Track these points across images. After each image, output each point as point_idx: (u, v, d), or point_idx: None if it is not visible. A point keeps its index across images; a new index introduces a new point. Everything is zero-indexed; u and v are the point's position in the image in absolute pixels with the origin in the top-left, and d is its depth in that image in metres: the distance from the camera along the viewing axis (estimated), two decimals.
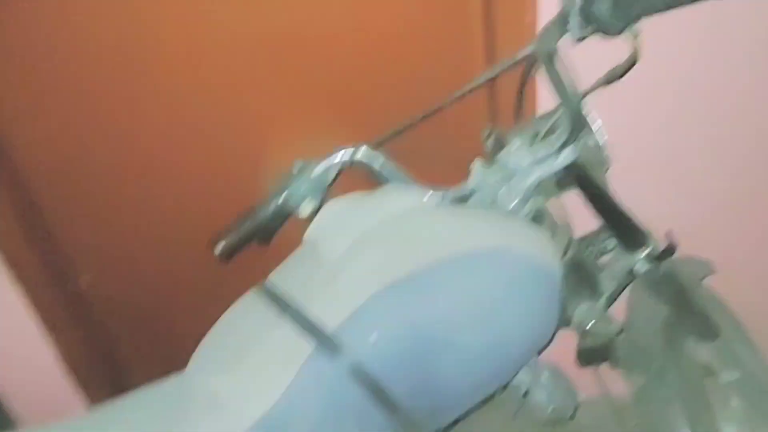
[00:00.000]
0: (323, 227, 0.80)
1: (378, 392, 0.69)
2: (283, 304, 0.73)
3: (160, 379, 0.76)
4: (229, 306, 0.81)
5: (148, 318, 1.38)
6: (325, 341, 0.69)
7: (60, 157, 1.23)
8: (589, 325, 0.87)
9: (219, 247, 0.89)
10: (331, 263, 0.75)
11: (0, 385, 1.31)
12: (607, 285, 0.91)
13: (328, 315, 0.70)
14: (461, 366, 0.73)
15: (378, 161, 0.89)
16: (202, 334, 0.78)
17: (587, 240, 0.93)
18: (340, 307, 0.71)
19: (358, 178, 0.90)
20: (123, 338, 1.41)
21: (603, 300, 0.90)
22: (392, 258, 0.74)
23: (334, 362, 0.68)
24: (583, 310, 0.89)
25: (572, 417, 0.86)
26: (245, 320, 0.76)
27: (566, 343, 0.89)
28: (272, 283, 0.78)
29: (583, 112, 0.87)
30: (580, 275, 0.88)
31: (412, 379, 0.71)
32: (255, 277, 0.82)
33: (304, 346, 0.69)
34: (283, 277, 0.79)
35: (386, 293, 0.71)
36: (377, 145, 0.90)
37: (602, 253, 0.93)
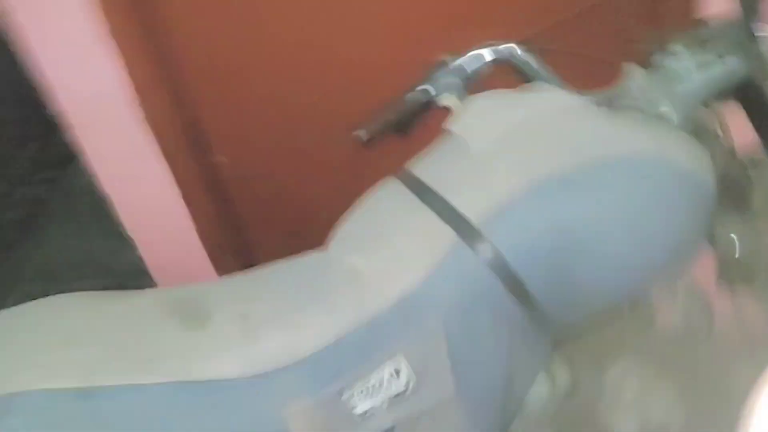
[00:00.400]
0: (468, 120, 0.79)
1: (516, 286, 0.70)
2: (426, 192, 0.75)
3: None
4: (361, 192, 0.83)
5: (281, 200, 1.45)
6: (469, 231, 0.70)
7: (212, 40, 1.28)
8: (737, 243, 0.84)
9: (360, 134, 0.91)
10: (476, 156, 0.75)
11: (142, 252, 1.42)
12: (760, 204, 0.86)
13: (473, 207, 0.71)
14: (599, 270, 0.73)
15: (527, 59, 0.86)
16: (333, 218, 0.81)
17: (744, 156, 0.87)
18: (486, 200, 0.71)
19: (503, 77, 0.88)
20: (255, 218, 1.49)
21: (752, 219, 0.86)
22: (542, 155, 0.73)
23: (476, 253, 0.70)
24: (732, 228, 0.85)
25: (707, 338, 0.84)
26: (387, 205, 0.78)
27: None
28: (414, 171, 0.80)
29: (757, 19, 0.80)
30: (731, 192, 0.84)
31: (549, 277, 0.71)
32: (390, 166, 0.84)
33: (448, 233, 0.70)
34: (425, 166, 0.80)
35: (534, 190, 0.70)
36: (526, 43, 0.88)
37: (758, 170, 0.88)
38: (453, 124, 0.81)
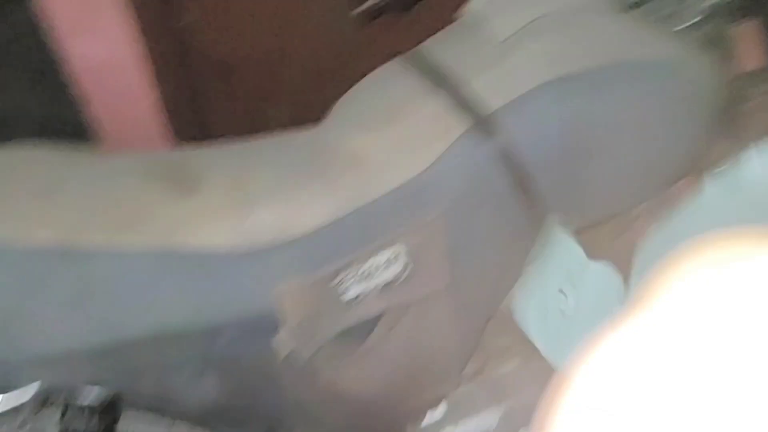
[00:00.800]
0: (490, 5, 0.74)
1: (523, 182, 0.68)
2: (438, 75, 0.70)
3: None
4: (358, 75, 0.78)
5: (244, 77, 1.34)
6: (481, 120, 0.67)
7: None
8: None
9: (360, 11, 0.85)
10: (497, 43, 0.70)
11: (90, 111, 1.32)
12: (752, 130, 0.86)
13: (489, 95, 0.67)
14: (606, 174, 0.72)
15: None
16: (322, 102, 0.75)
17: (749, 77, 0.87)
18: (504, 89, 0.67)
19: None
20: (223, 95, 1.38)
21: (741, 146, 0.86)
22: (568, 50, 0.69)
23: (487, 144, 0.67)
24: (720, 151, 0.85)
25: None
26: (395, 86, 0.73)
27: None
28: (427, 54, 0.74)
29: None
30: (728, 113, 0.84)
31: (557, 177, 0.70)
32: (397, 49, 0.78)
33: (459, 120, 0.67)
34: (439, 48, 0.75)
35: (556, 84, 0.67)
36: None
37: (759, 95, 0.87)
38: (472, 8, 0.75)
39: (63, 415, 0.64)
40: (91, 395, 0.64)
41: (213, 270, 0.62)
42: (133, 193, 0.63)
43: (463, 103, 0.68)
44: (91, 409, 0.64)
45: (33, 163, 0.64)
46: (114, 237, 0.59)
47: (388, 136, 0.68)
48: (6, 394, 0.58)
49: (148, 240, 0.60)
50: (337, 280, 0.66)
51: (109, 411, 0.67)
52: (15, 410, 0.60)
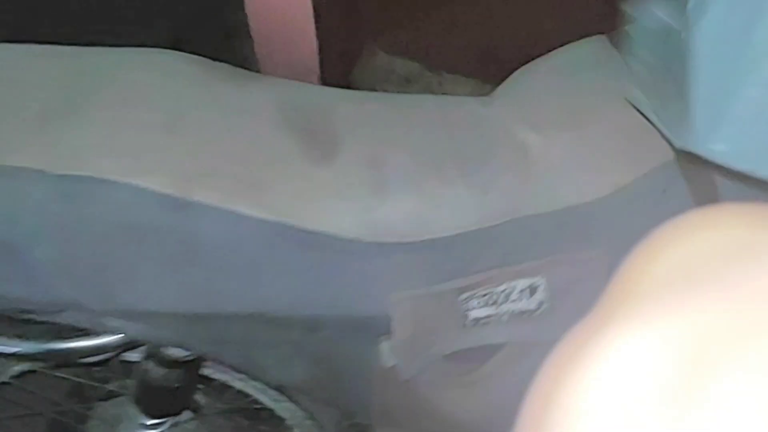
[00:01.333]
0: None
1: None
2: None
3: None
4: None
5: None
6: (695, 154, 0.52)
7: None
8: None
9: None
10: None
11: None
12: None
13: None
14: None
15: None
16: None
17: None
18: None
19: None
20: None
21: None
22: None
23: (691, 183, 0.53)
24: None
25: None
26: (590, 75, 0.59)
27: None
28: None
29: None
30: None
31: None
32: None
33: (665, 145, 0.53)
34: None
35: None
36: None
37: None
38: None
39: (146, 360, 0.61)
40: (174, 351, 0.60)
41: (329, 257, 0.54)
42: (265, 146, 0.54)
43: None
44: (174, 362, 0.61)
45: (166, 75, 0.56)
46: (234, 198, 0.52)
47: (571, 141, 0.56)
48: (89, 340, 0.55)
49: (271, 210, 0.52)
50: (463, 297, 0.56)
51: (191, 366, 0.63)
52: (99, 349, 0.56)
